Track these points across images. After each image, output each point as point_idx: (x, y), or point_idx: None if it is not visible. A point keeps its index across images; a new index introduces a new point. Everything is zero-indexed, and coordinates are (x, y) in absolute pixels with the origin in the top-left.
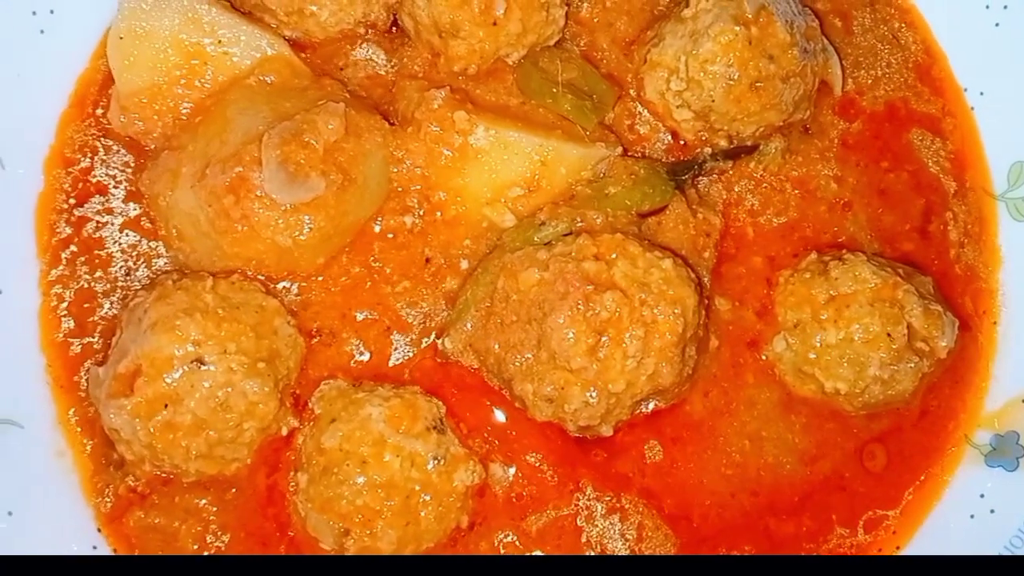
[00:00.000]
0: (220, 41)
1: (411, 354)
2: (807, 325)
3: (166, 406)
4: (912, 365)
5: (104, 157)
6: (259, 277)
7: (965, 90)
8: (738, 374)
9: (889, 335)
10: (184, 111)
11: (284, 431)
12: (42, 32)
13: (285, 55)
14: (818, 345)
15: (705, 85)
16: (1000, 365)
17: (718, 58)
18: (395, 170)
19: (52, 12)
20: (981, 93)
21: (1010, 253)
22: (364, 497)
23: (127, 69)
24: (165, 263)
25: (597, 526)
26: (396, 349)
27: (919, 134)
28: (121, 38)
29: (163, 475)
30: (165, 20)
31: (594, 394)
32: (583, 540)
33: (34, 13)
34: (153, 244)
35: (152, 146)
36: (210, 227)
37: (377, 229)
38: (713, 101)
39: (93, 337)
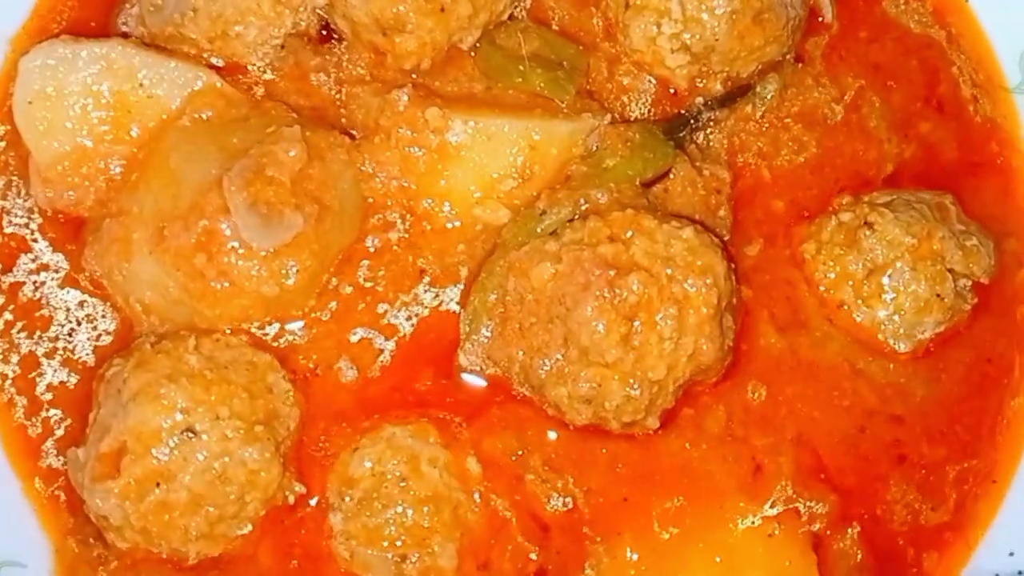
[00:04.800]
0: (142, 84)
1: (422, 376)
2: (853, 306)
3: (158, 484)
4: (965, 306)
5: (8, 205)
6: (245, 328)
7: None
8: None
9: (939, 295)
10: (115, 170)
11: (291, 499)
12: None
13: (216, 85)
14: (869, 325)
15: (707, 23)
16: None
17: None
18: (369, 186)
19: None
20: None
21: None
22: (413, 517)
23: (43, 136)
24: (113, 321)
25: None
26: (405, 372)
27: (892, 2)
28: (30, 102)
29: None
30: (77, 73)
31: (635, 385)
32: None
33: None
34: (96, 302)
35: (86, 215)
36: (183, 293)
37: (361, 247)
38: (717, 40)
39: (49, 412)
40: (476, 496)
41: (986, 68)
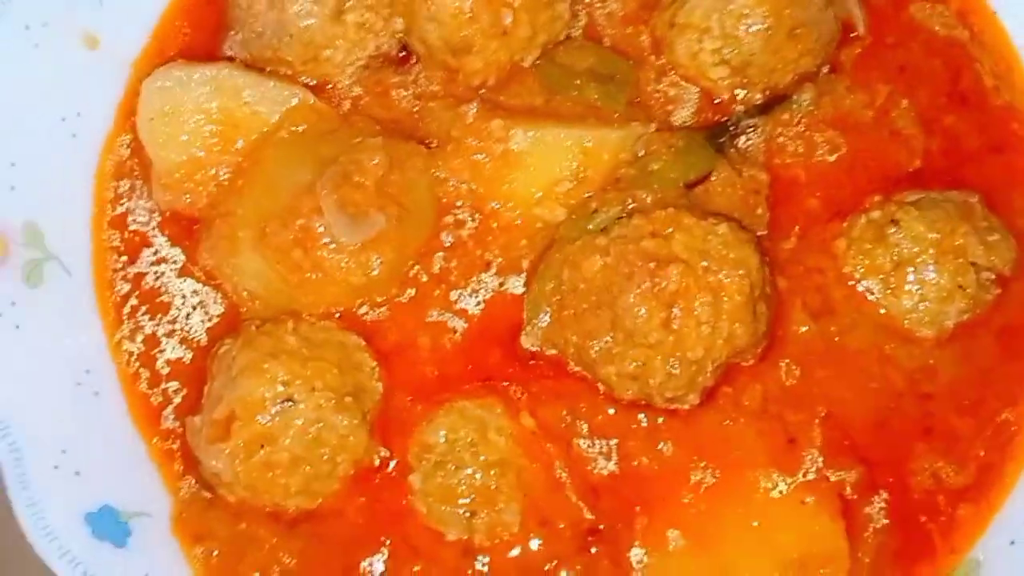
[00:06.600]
0: (247, 102)
1: (490, 354)
2: (880, 297)
3: (263, 446)
4: (988, 296)
5: (132, 206)
6: (336, 312)
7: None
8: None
9: (961, 286)
10: (223, 177)
11: (376, 461)
12: (74, 136)
13: (309, 102)
14: (896, 314)
15: (744, 39)
16: None
17: (754, 10)
18: (442, 190)
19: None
20: None
21: None
22: (482, 478)
23: (163, 147)
24: (221, 306)
25: None
26: (474, 351)
27: (918, 7)
28: (152, 119)
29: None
30: (192, 93)
31: (675, 364)
32: None
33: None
34: (208, 290)
35: (199, 215)
36: (283, 283)
37: (436, 242)
38: (753, 54)
39: (168, 384)
40: (536, 461)
41: (1007, 59)
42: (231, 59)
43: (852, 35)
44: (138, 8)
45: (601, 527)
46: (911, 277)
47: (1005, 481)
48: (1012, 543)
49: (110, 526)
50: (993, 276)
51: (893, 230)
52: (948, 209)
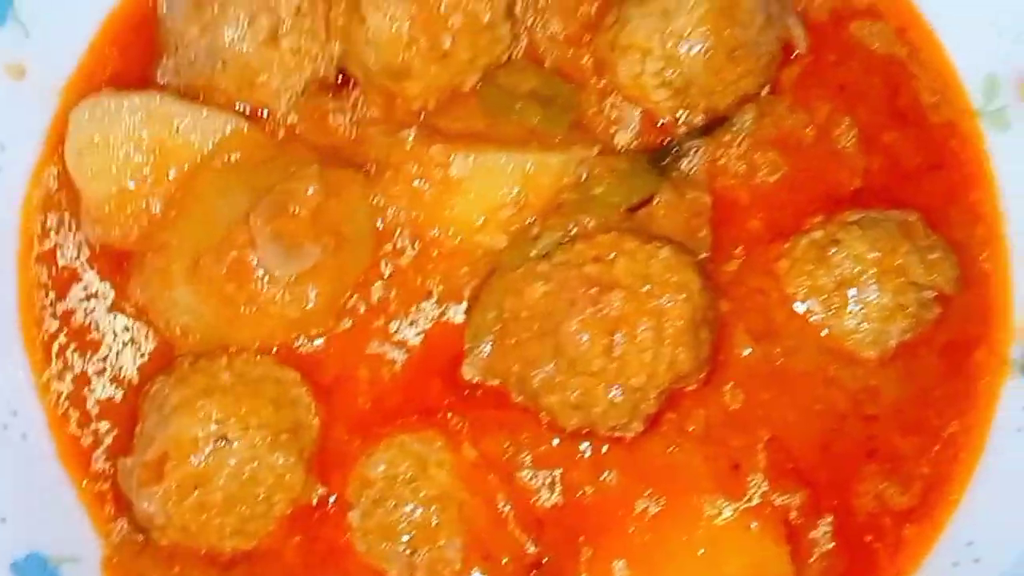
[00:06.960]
0: (179, 130)
1: (430, 386)
2: (823, 318)
3: (196, 487)
4: (929, 315)
5: (61, 240)
6: (272, 346)
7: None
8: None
9: (902, 306)
10: (156, 209)
11: (314, 499)
12: None
13: (244, 130)
14: (838, 335)
15: (685, 60)
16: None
17: (694, 31)
18: (381, 218)
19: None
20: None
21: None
22: (422, 514)
23: (92, 180)
24: (153, 343)
25: None
26: (415, 383)
27: (858, 25)
28: (80, 150)
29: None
30: (122, 123)
31: (618, 392)
32: None
33: None
34: (139, 326)
35: (131, 249)
36: (216, 317)
37: (375, 272)
38: (694, 75)
39: (98, 424)
40: (478, 495)
41: (944, 77)
42: (163, 87)
43: (793, 55)
44: (66, 35)
45: (545, 560)
46: (853, 297)
47: (949, 500)
48: (955, 565)
49: (38, 574)
50: (934, 294)
51: (834, 250)
52: (889, 228)
